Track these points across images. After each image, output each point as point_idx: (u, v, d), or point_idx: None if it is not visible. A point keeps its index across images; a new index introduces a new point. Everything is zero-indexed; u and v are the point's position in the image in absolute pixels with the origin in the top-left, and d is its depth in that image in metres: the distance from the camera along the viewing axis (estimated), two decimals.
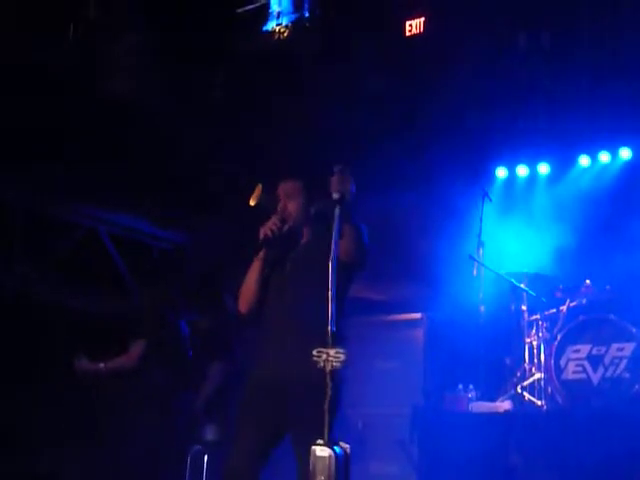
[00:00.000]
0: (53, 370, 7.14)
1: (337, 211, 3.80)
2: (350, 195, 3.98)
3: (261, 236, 4.40)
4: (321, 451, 3.61)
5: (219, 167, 8.58)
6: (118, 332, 7.22)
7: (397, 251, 8.01)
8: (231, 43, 9.49)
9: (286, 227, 4.44)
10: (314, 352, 3.60)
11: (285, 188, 4.52)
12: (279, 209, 4.47)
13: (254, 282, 4.47)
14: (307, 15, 9.72)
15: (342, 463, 3.64)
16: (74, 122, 7.64)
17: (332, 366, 3.58)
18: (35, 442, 6.92)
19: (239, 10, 9.98)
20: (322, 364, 3.58)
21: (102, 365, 6.40)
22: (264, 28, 9.92)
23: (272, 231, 4.37)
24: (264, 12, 9.99)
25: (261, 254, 4.42)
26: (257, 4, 10.00)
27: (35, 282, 7.76)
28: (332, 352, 3.59)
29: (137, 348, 6.47)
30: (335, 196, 3.84)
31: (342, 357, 3.58)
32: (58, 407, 7.08)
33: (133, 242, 8.60)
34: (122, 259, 8.44)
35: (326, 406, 3.60)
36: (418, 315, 7.41)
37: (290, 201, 4.48)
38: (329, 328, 3.63)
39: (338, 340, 3.62)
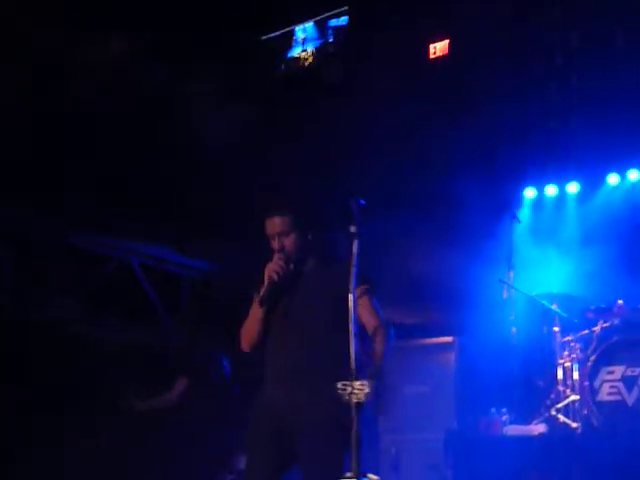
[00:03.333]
0: (88, 401, 7.22)
1: (355, 245, 3.78)
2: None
3: (267, 278, 4.30)
4: None
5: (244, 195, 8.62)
6: (153, 363, 7.32)
7: (427, 275, 8.00)
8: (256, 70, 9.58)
9: (291, 265, 4.37)
10: (339, 385, 3.60)
11: (274, 225, 4.39)
12: (277, 248, 4.37)
13: (257, 322, 4.37)
14: (331, 41, 9.79)
15: None
16: (104, 156, 7.75)
17: (357, 399, 3.58)
18: (69, 473, 6.97)
19: (264, 37, 10.08)
20: (347, 397, 3.58)
21: (146, 404, 6.55)
22: (289, 54, 10.00)
23: (277, 273, 4.30)
24: (289, 39, 10.08)
25: (263, 294, 4.30)
26: (282, 31, 10.09)
27: (70, 314, 7.86)
28: (357, 385, 3.59)
29: (180, 385, 6.59)
30: (353, 230, 3.82)
31: (366, 390, 3.58)
32: (92, 438, 7.14)
33: (164, 272, 8.68)
34: (154, 290, 8.52)
35: (353, 439, 3.58)
36: (450, 339, 7.37)
37: (284, 237, 4.37)
38: (352, 362, 3.63)
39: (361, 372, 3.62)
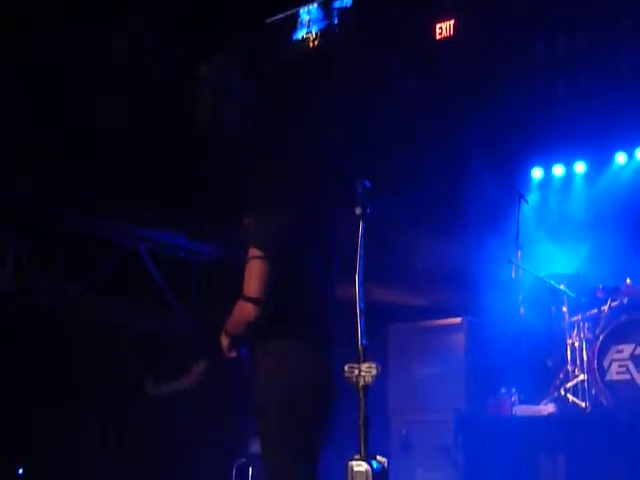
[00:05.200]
0: (102, 386, 7.27)
1: (361, 226, 3.77)
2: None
3: None
4: (358, 466, 3.59)
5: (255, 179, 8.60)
6: (161, 349, 7.35)
7: (435, 256, 7.99)
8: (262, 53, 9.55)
9: None
10: (345, 368, 3.60)
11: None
12: None
13: None
14: (336, 22, 9.75)
15: (380, 477, 3.62)
16: (112, 141, 7.75)
17: (365, 381, 3.58)
18: (86, 457, 7.02)
19: (268, 20, 10.04)
20: (354, 380, 3.58)
21: (165, 388, 6.59)
22: (294, 37, 9.96)
23: None
24: (294, 21, 10.04)
25: None
26: (287, 13, 10.05)
27: (80, 300, 7.89)
28: (364, 367, 3.59)
29: (198, 369, 6.62)
30: (358, 211, 3.80)
31: (374, 371, 3.58)
32: (103, 423, 7.19)
33: (172, 258, 8.69)
34: (162, 276, 8.53)
35: (361, 421, 3.59)
36: (458, 320, 7.38)
37: None
38: (359, 342, 3.63)
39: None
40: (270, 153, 4.56)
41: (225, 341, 4.09)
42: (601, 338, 6.85)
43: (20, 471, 6.90)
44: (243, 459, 6.46)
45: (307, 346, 3.96)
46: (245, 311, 3.90)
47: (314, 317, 4.03)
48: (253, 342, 4.06)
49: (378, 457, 3.65)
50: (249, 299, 3.88)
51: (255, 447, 6.44)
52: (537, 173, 8.78)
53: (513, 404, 6.88)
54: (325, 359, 4.00)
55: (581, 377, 6.91)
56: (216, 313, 6.92)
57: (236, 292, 4.00)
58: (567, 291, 7.23)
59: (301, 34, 9.94)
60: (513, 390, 6.95)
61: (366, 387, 3.58)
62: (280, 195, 4.12)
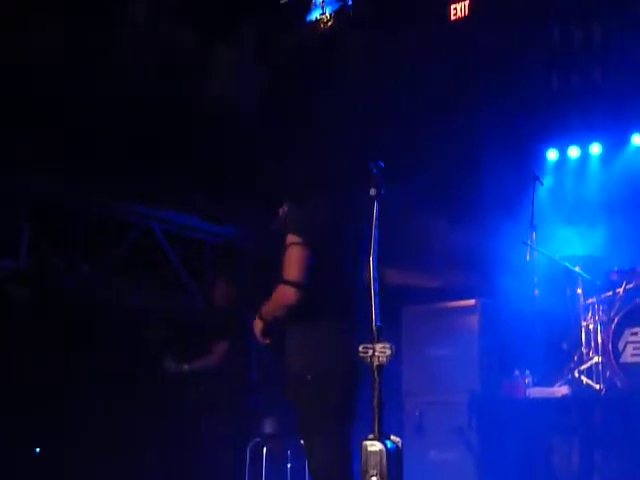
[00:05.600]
0: (117, 367, 7.31)
1: (375, 207, 3.80)
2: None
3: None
4: (372, 446, 3.61)
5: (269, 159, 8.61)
6: (178, 328, 7.39)
7: (449, 238, 7.98)
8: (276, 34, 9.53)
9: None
10: (360, 348, 3.62)
11: None
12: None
13: None
14: (350, 3, 9.70)
15: (394, 457, 3.64)
16: (126, 124, 7.76)
17: (379, 361, 3.60)
18: (101, 437, 7.07)
19: (283, 1, 10.00)
20: (369, 360, 3.60)
21: (186, 366, 6.63)
22: (308, 18, 9.93)
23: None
24: (308, 2, 9.99)
25: None
26: None
27: (96, 282, 7.93)
28: (378, 347, 3.61)
29: (220, 348, 6.66)
30: (372, 192, 3.83)
31: (388, 352, 3.59)
32: (126, 402, 7.24)
33: (187, 239, 8.72)
34: (178, 257, 8.57)
35: (375, 401, 3.60)
36: (472, 302, 7.34)
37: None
38: (374, 323, 3.64)
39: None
40: (297, 138, 4.62)
41: (259, 326, 4.24)
42: (616, 320, 6.84)
43: (37, 450, 6.96)
44: (257, 439, 6.51)
45: (338, 328, 4.12)
46: (286, 295, 4.07)
47: (345, 300, 4.15)
48: (286, 323, 4.21)
49: (392, 437, 3.67)
50: (290, 283, 4.05)
51: (269, 427, 6.53)
52: (552, 155, 8.75)
53: (527, 386, 6.88)
54: (351, 340, 4.05)
55: (595, 359, 6.91)
56: (232, 294, 6.97)
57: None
58: (582, 273, 7.22)
59: (315, 15, 9.90)
60: (527, 372, 6.95)
61: (380, 367, 3.60)
62: (315, 180, 4.25)
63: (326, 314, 4.12)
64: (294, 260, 4.05)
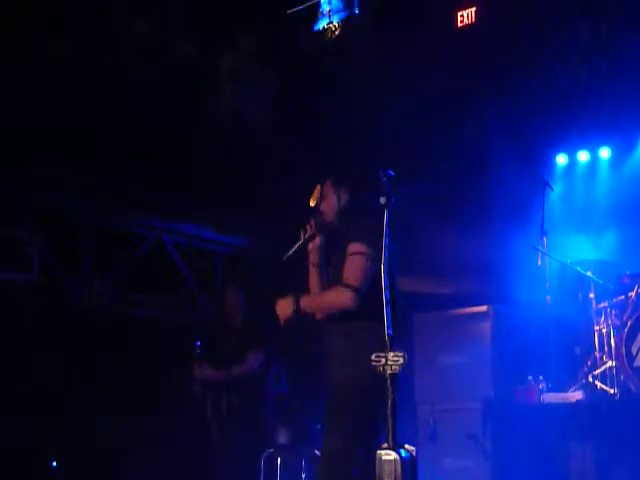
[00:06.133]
0: (130, 378, 7.33)
1: (386, 215, 3.82)
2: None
3: (302, 239, 4.53)
4: (386, 455, 3.61)
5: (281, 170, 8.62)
6: (188, 340, 7.38)
7: (460, 244, 7.98)
8: (283, 44, 9.54)
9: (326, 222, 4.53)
10: (372, 357, 3.62)
11: (320, 191, 4.61)
12: (320, 210, 4.57)
13: (316, 285, 4.58)
14: (357, 12, 9.72)
15: (409, 466, 3.63)
16: (136, 136, 7.79)
17: (392, 370, 3.60)
18: (117, 449, 7.09)
19: (290, 11, 10.03)
20: (381, 369, 3.59)
21: (224, 373, 6.61)
22: (315, 27, 9.95)
23: (306, 234, 4.51)
24: (315, 11, 10.02)
25: (311, 259, 4.57)
26: (307, 4, 10.03)
27: (104, 294, 7.94)
28: (391, 356, 3.61)
29: (253, 357, 6.64)
30: (382, 201, 3.86)
31: (401, 360, 3.59)
32: (134, 415, 7.24)
33: (198, 250, 8.73)
34: (188, 268, 8.58)
35: (389, 410, 3.60)
36: (484, 308, 7.33)
37: (324, 201, 4.57)
38: (386, 332, 3.64)
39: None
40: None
41: (288, 309, 4.37)
42: (629, 324, 6.81)
43: (54, 464, 6.98)
44: (271, 450, 6.50)
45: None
46: (344, 297, 4.27)
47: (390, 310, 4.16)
48: (328, 324, 4.38)
49: (406, 446, 3.66)
50: (351, 287, 4.24)
51: (283, 438, 6.52)
52: (562, 159, 8.73)
53: (541, 392, 6.86)
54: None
55: (609, 364, 6.88)
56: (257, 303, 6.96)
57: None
58: (594, 278, 7.20)
59: (322, 24, 9.92)
60: (540, 378, 6.94)
61: (393, 376, 3.60)
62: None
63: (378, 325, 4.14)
64: (358, 268, 4.25)
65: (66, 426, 6.91)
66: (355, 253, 4.27)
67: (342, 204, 4.53)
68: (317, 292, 4.57)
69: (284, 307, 4.39)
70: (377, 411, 4.05)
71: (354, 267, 4.26)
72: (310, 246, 4.59)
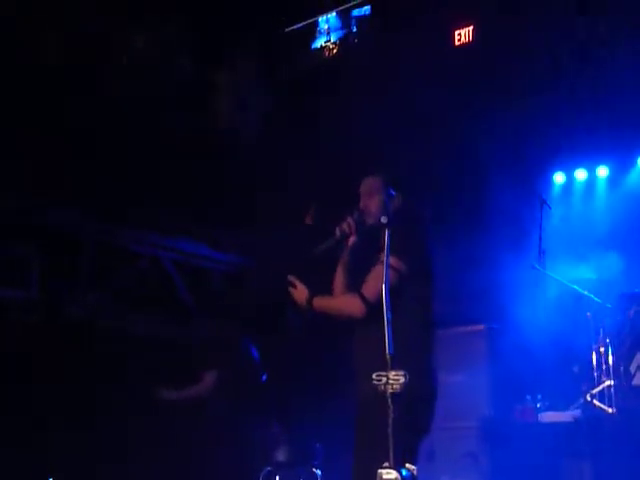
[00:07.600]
0: (121, 396, 7.28)
1: (387, 235, 3.80)
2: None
3: (337, 234, 4.39)
4: (388, 474, 3.59)
5: (278, 188, 8.62)
6: (184, 358, 7.36)
7: (457, 263, 7.96)
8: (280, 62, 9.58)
9: (368, 223, 4.39)
10: (374, 376, 3.60)
11: (365, 185, 4.50)
12: (361, 207, 4.44)
13: (341, 285, 4.46)
14: (355, 30, 9.75)
15: None
16: (134, 151, 7.79)
17: (393, 389, 3.58)
18: (109, 466, 7.04)
19: (287, 29, 10.06)
20: (382, 388, 3.58)
21: (176, 394, 6.57)
22: (313, 46, 9.98)
23: (342, 231, 4.37)
24: (312, 30, 10.05)
25: (342, 259, 4.45)
26: (305, 22, 10.06)
27: (101, 310, 7.92)
28: (392, 375, 3.59)
29: (210, 378, 6.60)
30: (383, 220, 3.85)
31: (402, 380, 3.58)
32: (125, 432, 7.20)
33: (195, 267, 8.71)
34: (185, 285, 8.56)
35: (390, 429, 3.59)
36: (481, 327, 7.35)
37: (370, 198, 4.45)
38: (387, 351, 3.63)
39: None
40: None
41: (303, 297, 4.35)
42: (627, 343, 6.82)
43: None
44: (269, 468, 6.46)
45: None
46: (354, 306, 4.22)
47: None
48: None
49: (407, 465, 3.65)
50: (365, 299, 4.16)
51: (281, 456, 6.48)
52: (559, 178, 8.75)
53: (538, 410, 6.85)
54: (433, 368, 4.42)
55: (607, 383, 6.87)
56: (225, 322, 6.95)
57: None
58: (592, 296, 7.20)
59: (320, 43, 9.95)
60: (539, 397, 6.93)
61: (394, 395, 3.58)
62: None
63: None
64: (379, 280, 3.95)
65: (64, 441, 6.86)
66: (389, 265, 4.02)
67: (395, 206, 4.43)
68: (339, 293, 4.43)
69: (300, 294, 4.36)
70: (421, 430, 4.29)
71: (377, 279, 3.99)
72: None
